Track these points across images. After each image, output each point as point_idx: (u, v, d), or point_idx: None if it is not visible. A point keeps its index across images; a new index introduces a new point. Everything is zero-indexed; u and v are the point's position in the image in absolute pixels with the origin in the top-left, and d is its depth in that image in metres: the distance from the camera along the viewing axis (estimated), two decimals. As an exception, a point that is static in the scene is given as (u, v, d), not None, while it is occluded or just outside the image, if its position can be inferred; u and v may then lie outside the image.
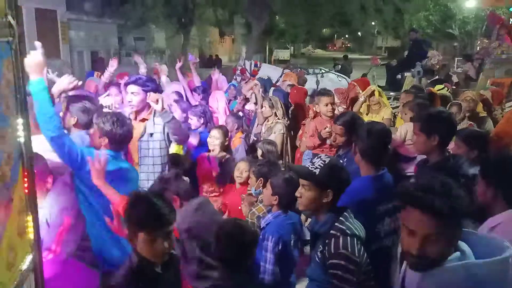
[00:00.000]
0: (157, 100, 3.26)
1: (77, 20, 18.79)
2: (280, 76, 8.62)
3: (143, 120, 3.56)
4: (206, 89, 6.34)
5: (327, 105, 4.44)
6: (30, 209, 1.55)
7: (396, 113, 6.22)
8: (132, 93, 3.50)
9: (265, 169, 3.24)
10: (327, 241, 2.13)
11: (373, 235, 2.35)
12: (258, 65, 10.05)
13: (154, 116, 3.50)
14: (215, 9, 22.75)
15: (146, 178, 3.47)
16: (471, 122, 4.80)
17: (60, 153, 2.63)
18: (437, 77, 9.23)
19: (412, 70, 9.85)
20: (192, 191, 2.98)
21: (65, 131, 2.85)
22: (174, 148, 3.75)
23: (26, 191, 1.53)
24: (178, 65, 6.11)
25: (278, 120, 4.90)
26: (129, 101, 3.54)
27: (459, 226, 1.44)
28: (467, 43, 24.21)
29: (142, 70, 5.90)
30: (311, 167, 2.23)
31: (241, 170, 3.63)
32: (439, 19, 23.57)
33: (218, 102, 5.85)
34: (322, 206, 2.22)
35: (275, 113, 4.95)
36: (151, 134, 3.48)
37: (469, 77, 10.72)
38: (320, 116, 4.60)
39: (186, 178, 3.09)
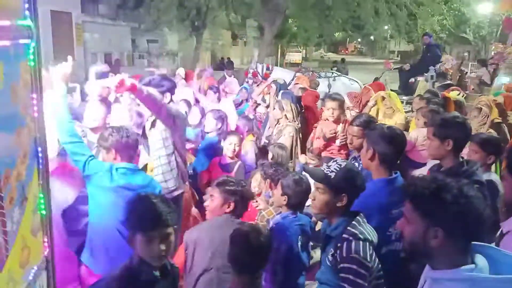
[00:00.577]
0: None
1: (91, 22, 19.01)
2: (292, 79, 8.62)
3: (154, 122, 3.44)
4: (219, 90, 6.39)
5: (329, 109, 4.47)
6: (44, 208, 1.57)
7: (408, 118, 6.17)
8: None
9: (271, 171, 3.25)
10: (339, 244, 2.11)
11: (384, 238, 2.33)
12: (270, 68, 10.06)
13: None
14: (228, 13, 22.83)
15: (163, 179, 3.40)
16: (490, 130, 4.74)
17: (72, 159, 2.73)
18: (449, 81, 9.16)
19: (426, 74, 9.79)
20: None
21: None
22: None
23: (41, 190, 1.55)
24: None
25: (289, 123, 4.91)
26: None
27: (467, 235, 1.42)
28: (481, 48, 23.91)
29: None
30: (327, 170, 2.22)
31: (259, 181, 3.58)
32: (453, 23, 23.35)
33: (226, 107, 5.85)
34: (336, 210, 2.21)
35: (286, 115, 4.96)
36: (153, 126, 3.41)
37: (483, 82, 10.61)
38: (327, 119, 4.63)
39: None
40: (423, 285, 1.56)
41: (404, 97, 8.87)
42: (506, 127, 5.37)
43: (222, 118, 4.60)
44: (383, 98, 5.50)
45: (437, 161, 2.83)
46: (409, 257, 1.53)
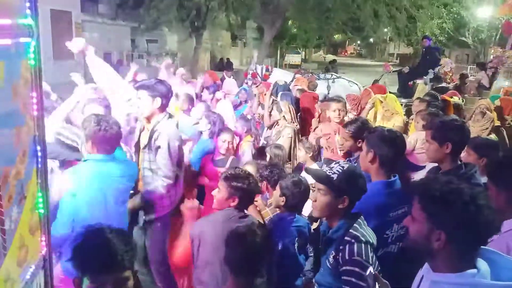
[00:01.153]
0: None
1: (91, 21, 19.02)
2: (291, 81, 8.62)
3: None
4: (216, 88, 6.41)
5: (335, 111, 4.45)
6: (43, 207, 1.57)
7: (407, 121, 6.18)
8: (139, 98, 3.22)
9: (266, 172, 3.25)
10: (341, 247, 2.10)
11: (381, 241, 2.33)
12: (270, 70, 10.07)
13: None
14: (228, 14, 22.85)
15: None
16: (491, 135, 4.75)
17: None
18: (443, 84, 9.19)
19: (425, 77, 9.81)
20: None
21: None
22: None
23: (39, 188, 1.55)
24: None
25: (287, 124, 4.91)
26: (138, 107, 3.26)
27: (472, 242, 1.41)
28: (480, 52, 23.98)
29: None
30: (329, 172, 2.21)
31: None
32: (452, 27, 23.39)
33: (224, 108, 5.86)
34: (337, 212, 2.20)
35: (284, 117, 4.96)
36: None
37: (482, 86, 10.64)
38: (329, 121, 4.61)
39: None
40: (419, 285, 1.56)
41: (403, 100, 8.88)
42: (504, 130, 5.39)
43: (214, 122, 4.60)
44: (381, 101, 5.51)
45: (436, 164, 2.84)
46: (409, 254, 1.53)
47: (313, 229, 3.02)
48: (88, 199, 2.72)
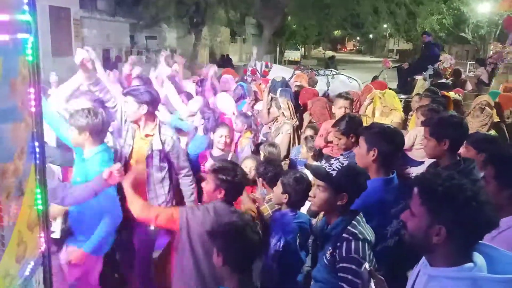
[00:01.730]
0: None
1: (90, 18, 18.95)
2: (291, 77, 8.61)
3: (148, 136, 3.42)
4: (203, 81, 6.43)
5: (340, 108, 4.41)
6: (42, 203, 1.57)
7: (406, 117, 6.19)
8: (125, 102, 3.36)
9: (261, 169, 3.24)
10: (338, 244, 2.11)
11: (380, 237, 2.34)
12: (269, 66, 10.05)
13: (160, 131, 3.42)
14: (227, 10, 22.80)
15: (155, 196, 3.42)
16: (491, 131, 4.74)
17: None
18: (443, 80, 9.18)
19: (424, 73, 9.80)
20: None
21: None
22: None
23: (38, 185, 1.55)
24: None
25: (286, 121, 4.90)
26: (126, 111, 3.39)
27: (472, 237, 1.42)
28: (480, 48, 23.96)
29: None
30: (328, 168, 2.21)
31: (249, 168, 3.61)
32: (452, 22, 23.37)
33: (227, 104, 5.83)
34: (335, 209, 2.20)
35: (283, 113, 4.95)
36: (159, 151, 3.39)
37: (481, 82, 10.64)
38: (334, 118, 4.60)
39: None
40: (416, 279, 1.56)
41: (403, 96, 8.88)
42: (504, 126, 5.40)
43: (208, 118, 4.59)
44: (380, 97, 5.51)
45: (435, 160, 2.84)
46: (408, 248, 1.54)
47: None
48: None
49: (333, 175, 2.17)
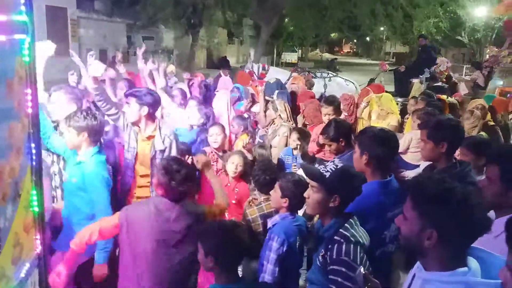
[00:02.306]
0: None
1: (87, 18, 18.93)
2: (288, 79, 8.62)
3: (149, 137, 3.48)
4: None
5: (325, 115, 4.46)
6: (37, 205, 1.56)
7: (404, 120, 6.20)
8: (127, 103, 3.45)
9: (255, 175, 3.24)
10: (330, 246, 2.11)
11: (378, 241, 2.33)
12: (266, 68, 10.06)
13: (160, 131, 3.46)
14: (224, 11, 22.80)
15: None
16: (481, 133, 4.77)
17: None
18: (439, 83, 9.21)
19: (421, 76, 9.84)
20: None
21: None
22: None
23: (34, 186, 1.54)
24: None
25: (283, 123, 4.90)
26: (126, 112, 3.45)
27: (464, 241, 1.42)
28: (476, 51, 24.06)
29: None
30: (323, 170, 2.22)
31: (236, 163, 3.61)
32: (449, 26, 23.45)
33: (220, 102, 5.82)
34: (328, 210, 2.21)
35: (280, 115, 4.96)
36: (162, 151, 3.43)
37: (477, 85, 10.68)
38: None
39: None
40: (411, 283, 1.56)
41: (399, 99, 8.91)
42: (499, 129, 5.43)
43: (206, 115, 4.60)
44: (376, 100, 5.53)
45: (430, 162, 2.85)
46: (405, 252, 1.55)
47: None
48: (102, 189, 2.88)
49: (326, 176, 2.18)
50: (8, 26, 1.31)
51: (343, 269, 2.02)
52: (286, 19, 28.39)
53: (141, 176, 3.48)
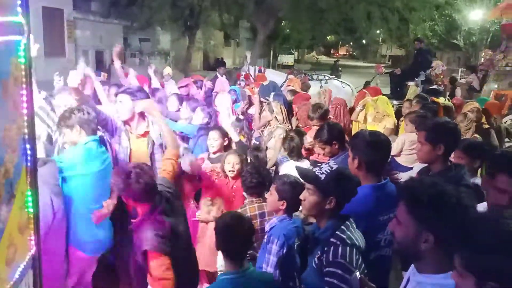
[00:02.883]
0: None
1: (83, 19, 18.90)
2: (284, 82, 8.64)
3: (144, 134, 3.51)
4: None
5: (313, 126, 4.52)
6: (32, 206, 1.56)
7: (400, 122, 6.22)
8: (120, 101, 3.46)
9: (245, 178, 3.24)
10: (326, 248, 2.11)
11: (372, 244, 2.34)
12: (262, 71, 10.08)
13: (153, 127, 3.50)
14: (221, 13, 22.82)
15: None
16: (475, 135, 4.80)
17: None
18: (435, 86, 9.27)
19: (416, 79, 9.89)
20: None
21: None
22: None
23: (29, 187, 1.54)
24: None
25: (279, 125, 4.91)
26: (118, 110, 3.48)
27: (456, 240, 1.41)
28: (471, 55, 24.21)
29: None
30: (318, 172, 2.22)
31: (232, 163, 3.62)
32: (444, 29, 23.61)
33: (221, 103, 5.86)
34: (324, 212, 2.20)
35: (276, 117, 4.97)
36: (160, 145, 3.47)
37: (472, 88, 10.74)
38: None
39: None
40: (405, 286, 1.57)
41: (395, 102, 8.95)
42: (494, 131, 5.46)
43: (210, 114, 4.63)
44: (375, 101, 5.55)
45: (424, 165, 2.85)
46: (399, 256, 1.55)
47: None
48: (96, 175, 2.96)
49: (322, 178, 2.18)
50: (3, 27, 1.31)
51: (339, 271, 2.02)
52: (283, 22, 28.44)
53: None
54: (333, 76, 11.19)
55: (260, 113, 5.35)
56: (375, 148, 2.51)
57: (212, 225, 3.12)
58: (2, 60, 1.33)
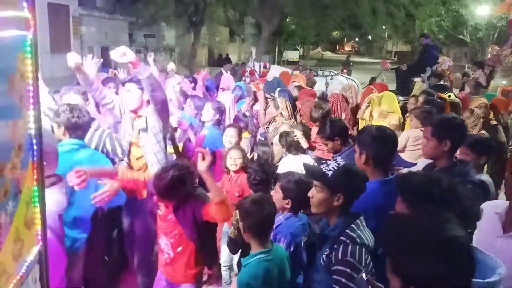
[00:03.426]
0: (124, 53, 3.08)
1: (88, 15, 18.93)
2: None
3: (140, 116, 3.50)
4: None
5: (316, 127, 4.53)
6: (38, 201, 1.56)
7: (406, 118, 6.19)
8: (128, 91, 3.45)
9: (249, 175, 3.26)
10: (335, 246, 2.09)
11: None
12: (267, 67, 10.05)
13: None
14: (226, 9, 22.79)
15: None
16: (482, 131, 4.77)
17: None
18: (441, 82, 9.20)
19: (422, 75, 9.82)
20: None
21: None
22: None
23: (35, 182, 1.54)
24: None
25: (284, 121, 4.91)
26: (126, 100, 3.47)
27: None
28: (478, 50, 24.03)
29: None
30: (325, 169, 2.21)
31: (234, 158, 3.67)
32: (451, 25, 23.42)
33: (223, 100, 5.87)
34: (333, 210, 2.19)
35: (281, 113, 4.96)
36: (144, 129, 3.44)
37: (479, 84, 10.66)
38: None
39: None
40: None
41: (401, 98, 8.89)
42: (501, 128, 5.42)
43: (220, 109, 4.64)
44: (381, 97, 5.53)
45: (429, 161, 2.84)
46: None
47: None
48: None
49: (329, 175, 2.17)
50: (9, 22, 1.31)
51: (348, 270, 2.01)
52: (288, 18, 28.34)
53: (137, 158, 3.52)
54: (338, 72, 11.14)
55: (265, 109, 5.35)
56: (382, 142, 2.51)
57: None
58: (9, 56, 1.33)
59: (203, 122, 4.74)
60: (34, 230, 1.56)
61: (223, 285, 3.81)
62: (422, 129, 3.88)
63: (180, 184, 2.64)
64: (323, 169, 2.21)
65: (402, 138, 4.66)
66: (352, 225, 2.12)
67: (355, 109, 6.15)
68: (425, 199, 1.44)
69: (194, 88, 6.92)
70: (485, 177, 3.20)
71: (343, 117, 5.36)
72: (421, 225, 1.28)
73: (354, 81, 10.04)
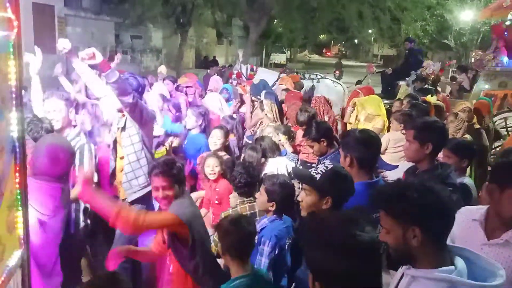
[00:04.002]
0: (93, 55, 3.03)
1: (74, 16, 18.71)
2: (276, 80, 8.62)
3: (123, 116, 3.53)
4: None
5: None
6: (21, 204, 1.54)
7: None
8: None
9: (234, 177, 3.24)
10: None
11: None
12: (255, 69, 10.05)
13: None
14: (214, 11, 22.74)
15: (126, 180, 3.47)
16: (466, 135, 4.83)
17: None
18: (426, 85, 9.32)
19: (407, 78, 9.94)
20: None
21: None
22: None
23: (18, 186, 1.52)
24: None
25: (270, 124, 4.92)
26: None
27: (442, 227, 1.49)
28: (462, 54, 24.41)
29: None
30: (314, 172, 2.24)
31: (212, 166, 3.66)
32: (436, 29, 23.74)
33: (210, 102, 5.85)
34: (322, 213, 2.21)
35: (267, 115, 4.97)
36: (123, 129, 3.46)
37: (463, 88, 10.83)
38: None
39: None
40: (399, 281, 1.59)
41: (386, 101, 8.97)
42: (484, 132, 5.51)
43: (201, 114, 4.62)
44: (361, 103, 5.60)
45: (411, 164, 2.88)
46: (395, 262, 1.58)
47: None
48: None
49: (317, 178, 2.19)
50: (-8, 23, 1.30)
51: None
52: (275, 20, 28.41)
53: (121, 158, 3.53)
54: (324, 76, 11.20)
55: (251, 112, 5.35)
56: (366, 145, 2.55)
57: None
58: (-9, 57, 1.32)
59: (189, 130, 4.72)
60: (16, 234, 1.55)
61: None
62: (403, 131, 3.94)
63: None
64: (312, 173, 2.24)
65: (382, 140, 4.70)
66: None
67: (343, 113, 6.22)
68: (405, 205, 1.47)
69: (177, 89, 6.87)
70: (467, 180, 3.26)
71: (326, 119, 5.39)
72: (328, 224, 1.38)
73: (340, 84, 10.08)
